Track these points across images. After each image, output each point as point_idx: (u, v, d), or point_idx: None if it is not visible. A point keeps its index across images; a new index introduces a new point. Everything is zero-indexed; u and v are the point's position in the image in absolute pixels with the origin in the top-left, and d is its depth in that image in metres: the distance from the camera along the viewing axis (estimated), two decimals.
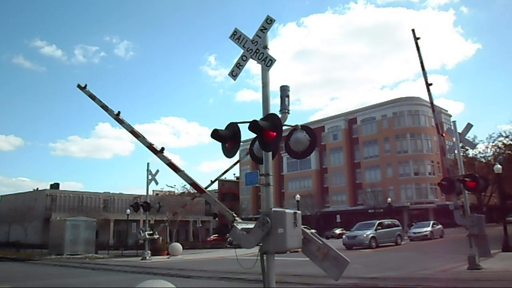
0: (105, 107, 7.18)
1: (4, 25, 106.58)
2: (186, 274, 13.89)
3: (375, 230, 24.72)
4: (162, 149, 6.04)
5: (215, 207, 5.52)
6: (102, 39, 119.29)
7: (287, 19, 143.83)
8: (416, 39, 12.43)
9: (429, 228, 30.97)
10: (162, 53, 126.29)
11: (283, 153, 56.05)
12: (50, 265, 20.97)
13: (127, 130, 6.62)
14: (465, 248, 12.33)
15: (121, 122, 6.74)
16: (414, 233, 30.82)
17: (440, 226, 33.51)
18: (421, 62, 12.48)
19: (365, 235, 23.82)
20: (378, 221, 26.34)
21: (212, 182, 21.76)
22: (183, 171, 5.82)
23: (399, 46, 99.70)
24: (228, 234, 4.97)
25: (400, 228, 27.23)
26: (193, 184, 5.68)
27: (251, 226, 4.99)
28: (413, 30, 12.53)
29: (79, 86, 7.80)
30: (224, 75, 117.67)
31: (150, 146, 6.17)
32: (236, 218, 5.13)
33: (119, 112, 6.86)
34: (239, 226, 4.98)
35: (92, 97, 7.57)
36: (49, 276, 15.33)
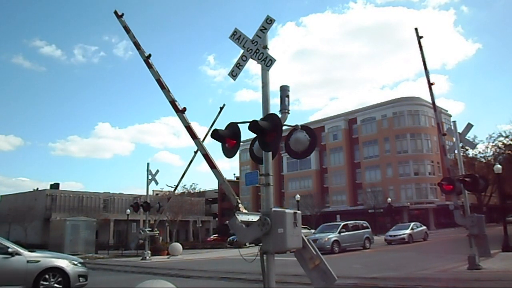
0: (137, 45, 6.91)
1: (4, 24, 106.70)
2: (186, 274, 13.90)
3: (339, 232, 22.60)
4: (184, 109, 5.95)
5: (223, 187, 5.53)
6: (101, 38, 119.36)
7: (286, 19, 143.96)
8: (419, 38, 12.42)
9: (408, 231, 28.33)
10: (161, 53, 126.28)
11: (283, 153, 56.05)
12: None
13: (154, 77, 6.40)
14: (465, 248, 12.34)
15: (150, 66, 6.53)
16: (391, 236, 28.46)
17: (423, 228, 30.98)
18: (424, 62, 12.47)
19: (326, 239, 21.65)
20: (343, 223, 24.27)
21: (195, 153, 22.05)
22: (199, 139, 5.82)
23: (399, 46, 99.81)
24: (228, 222, 4.88)
25: (369, 230, 24.99)
26: (206, 155, 5.72)
27: (253, 217, 5.00)
28: (416, 29, 12.52)
29: (116, 13, 7.37)
30: (223, 75, 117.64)
31: (173, 102, 6.07)
32: (240, 205, 5.13)
33: (149, 55, 6.61)
34: (240, 217, 4.99)
35: (127, 29, 7.19)
36: None
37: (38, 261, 9.28)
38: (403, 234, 27.86)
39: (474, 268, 11.34)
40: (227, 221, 5.23)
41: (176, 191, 51.44)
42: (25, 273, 8.89)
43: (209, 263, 19.67)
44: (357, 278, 11.21)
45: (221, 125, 5.22)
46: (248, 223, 4.96)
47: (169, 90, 6.15)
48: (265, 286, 4.71)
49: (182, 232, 56.73)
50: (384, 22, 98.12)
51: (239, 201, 5.23)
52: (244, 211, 5.15)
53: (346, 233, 23.03)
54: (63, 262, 9.74)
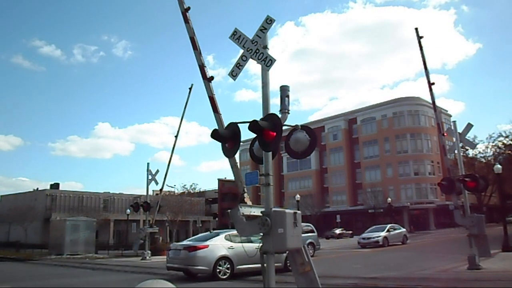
0: None
1: (3, 24, 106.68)
2: None
3: None
4: (211, 77, 5.88)
5: (233, 171, 5.51)
6: (101, 38, 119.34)
7: (286, 18, 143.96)
8: (419, 38, 12.44)
9: (383, 233, 25.76)
10: (160, 52, 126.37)
11: (283, 153, 56.07)
12: (50, 265, 20.96)
13: (188, 34, 6.13)
14: (465, 248, 12.34)
15: (186, 21, 6.21)
16: (364, 238, 25.99)
17: (401, 230, 28.36)
18: (424, 62, 12.49)
19: None
20: None
21: (176, 137, 22.81)
22: (221, 114, 5.80)
23: (399, 46, 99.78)
24: (229, 210, 4.92)
25: (313, 234, 21.25)
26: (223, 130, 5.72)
27: (255, 210, 5.01)
28: (416, 29, 12.56)
29: None
30: (222, 75, 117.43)
31: (202, 67, 5.95)
32: (245, 195, 5.13)
33: (188, 8, 6.33)
34: (242, 210, 4.99)
35: None
36: (49, 276, 15.32)
37: None
38: (377, 237, 25.54)
39: (474, 268, 11.34)
40: (229, 210, 5.22)
41: (176, 191, 51.65)
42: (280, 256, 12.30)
43: None
44: (357, 278, 11.21)
45: None
46: (249, 217, 4.98)
47: (200, 53, 5.97)
48: (265, 286, 4.71)
49: (182, 232, 56.66)
50: (384, 21, 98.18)
51: (245, 189, 5.21)
52: (249, 202, 5.15)
53: None
54: None
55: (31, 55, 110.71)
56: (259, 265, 12.09)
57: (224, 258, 12.07)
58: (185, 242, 13.34)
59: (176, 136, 22.65)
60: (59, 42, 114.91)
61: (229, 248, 12.33)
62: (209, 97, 5.85)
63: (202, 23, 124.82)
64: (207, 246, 12.17)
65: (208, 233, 14.54)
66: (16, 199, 51.14)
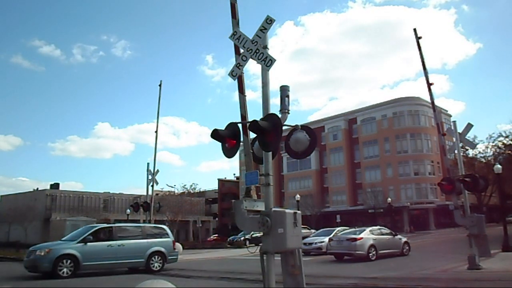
0: None
1: (3, 24, 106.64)
2: (186, 274, 13.90)
3: (82, 242, 13.54)
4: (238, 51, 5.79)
5: (245, 160, 5.52)
6: (100, 38, 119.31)
7: (285, 18, 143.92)
8: (418, 38, 12.45)
9: (328, 238, 19.63)
10: (160, 52, 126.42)
11: (283, 153, 56.04)
12: None
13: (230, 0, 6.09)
14: (465, 248, 12.34)
15: None
16: (305, 244, 20.58)
17: None
18: (423, 62, 12.51)
19: (47, 251, 13.27)
20: (98, 227, 14.96)
21: (156, 132, 23.53)
22: (246, 96, 5.77)
23: (399, 45, 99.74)
24: (233, 201, 4.91)
25: (165, 240, 15.43)
26: (243, 116, 5.71)
27: (259, 205, 5.01)
28: (414, 30, 12.58)
29: None
30: (221, 74, 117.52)
31: (237, 47, 5.91)
32: (252, 190, 5.14)
33: None
34: (246, 203, 5.00)
35: None
36: None
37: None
38: (320, 242, 20.71)
39: (474, 268, 11.34)
40: (233, 200, 5.22)
41: (176, 191, 51.63)
42: (400, 244, 18.15)
43: (209, 263, 19.65)
44: (357, 278, 11.22)
45: (220, 124, 5.21)
46: (252, 211, 4.99)
47: (238, 23, 5.75)
48: (265, 286, 4.71)
49: (182, 232, 56.70)
50: (384, 21, 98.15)
51: None
52: (255, 196, 5.17)
53: (94, 244, 13.77)
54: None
55: (31, 55, 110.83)
56: (392, 250, 17.76)
57: (372, 246, 16.54)
58: (345, 235, 17.81)
59: (156, 132, 23.01)
60: (58, 42, 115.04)
61: (373, 239, 16.89)
62: (238, 76, 5.79)
63: (202, 23, 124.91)
64: (362, 238, 16.71)
65: (353, 229, 19.51)
66: (16, 199, 51.16)
